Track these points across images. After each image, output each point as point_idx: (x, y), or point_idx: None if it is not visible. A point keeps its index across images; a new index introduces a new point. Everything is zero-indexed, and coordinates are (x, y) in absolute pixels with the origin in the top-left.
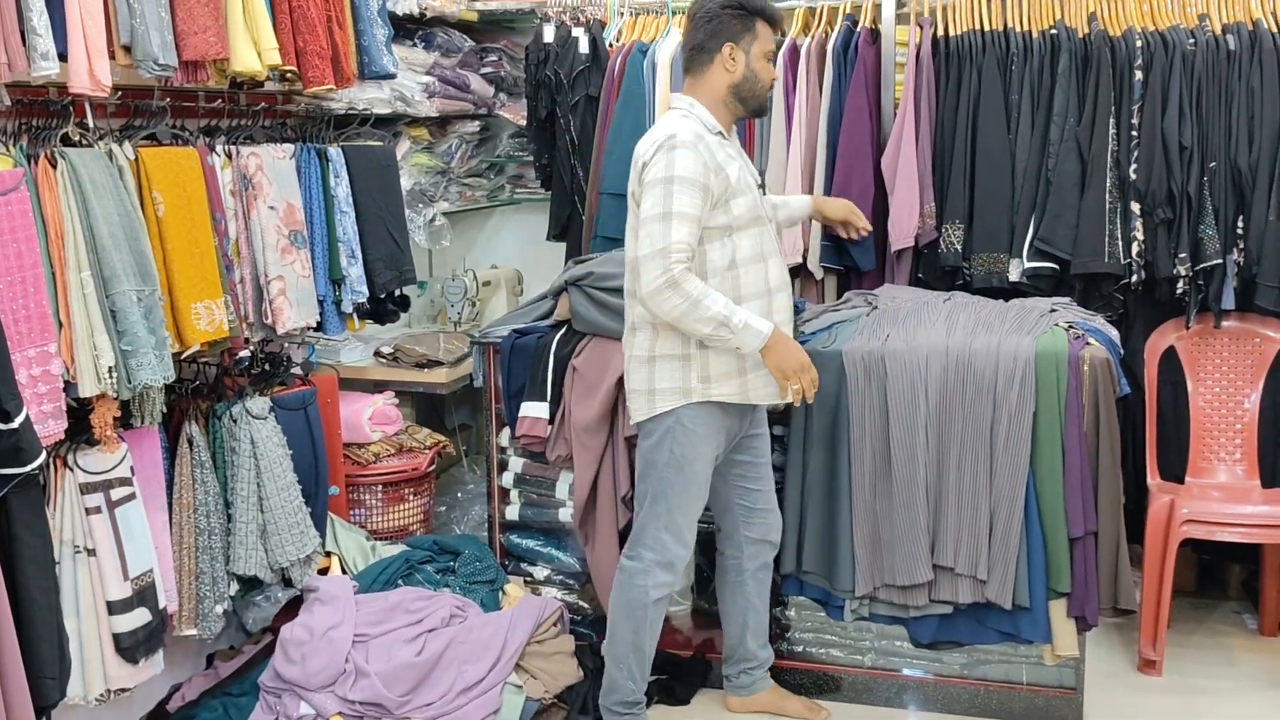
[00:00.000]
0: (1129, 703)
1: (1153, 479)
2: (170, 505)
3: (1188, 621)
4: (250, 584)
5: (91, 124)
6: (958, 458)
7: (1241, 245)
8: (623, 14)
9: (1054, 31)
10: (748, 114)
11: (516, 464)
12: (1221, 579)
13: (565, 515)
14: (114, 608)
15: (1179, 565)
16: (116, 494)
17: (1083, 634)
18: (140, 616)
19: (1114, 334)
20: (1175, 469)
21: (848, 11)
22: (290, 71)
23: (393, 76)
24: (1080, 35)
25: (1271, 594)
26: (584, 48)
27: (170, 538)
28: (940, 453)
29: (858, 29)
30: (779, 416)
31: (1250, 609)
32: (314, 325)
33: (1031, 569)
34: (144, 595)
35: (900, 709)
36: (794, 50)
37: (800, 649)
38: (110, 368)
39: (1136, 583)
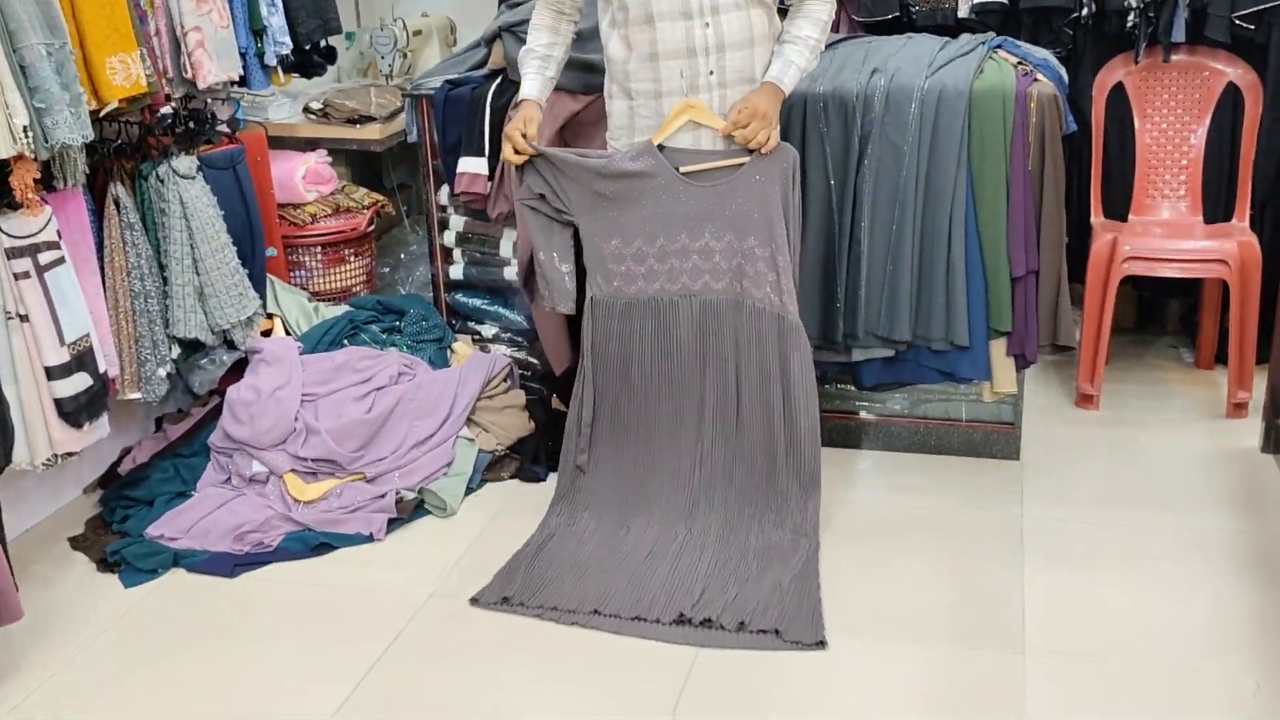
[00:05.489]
0: (1065, 435)
1: (1096, 217)
2: (102, 269)
3: (1126, 358)
4: (193, 347)
5: None
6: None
7: None
8: None
9: None
10: None
11: (458, 222)
12: (1161, 316)
13: (510, 274)
14: (52, 373)
15: (1119, 303)
16: (44, 258)
17: (1021, 371)
18: (80, 381)
19: (1062, 70)
20: (1119, 207)
21: None
22: None
23: None
24: None
25: (1209, 328)
26: None
27: (105, 302)
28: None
29: None
30: None
31: (1187, 344)
32: (237, 80)
33: (971, 309)
34: (82, 360)
35: (846, 448)
36: None
37: None
38: (25, 126)
39: (1076, 321)
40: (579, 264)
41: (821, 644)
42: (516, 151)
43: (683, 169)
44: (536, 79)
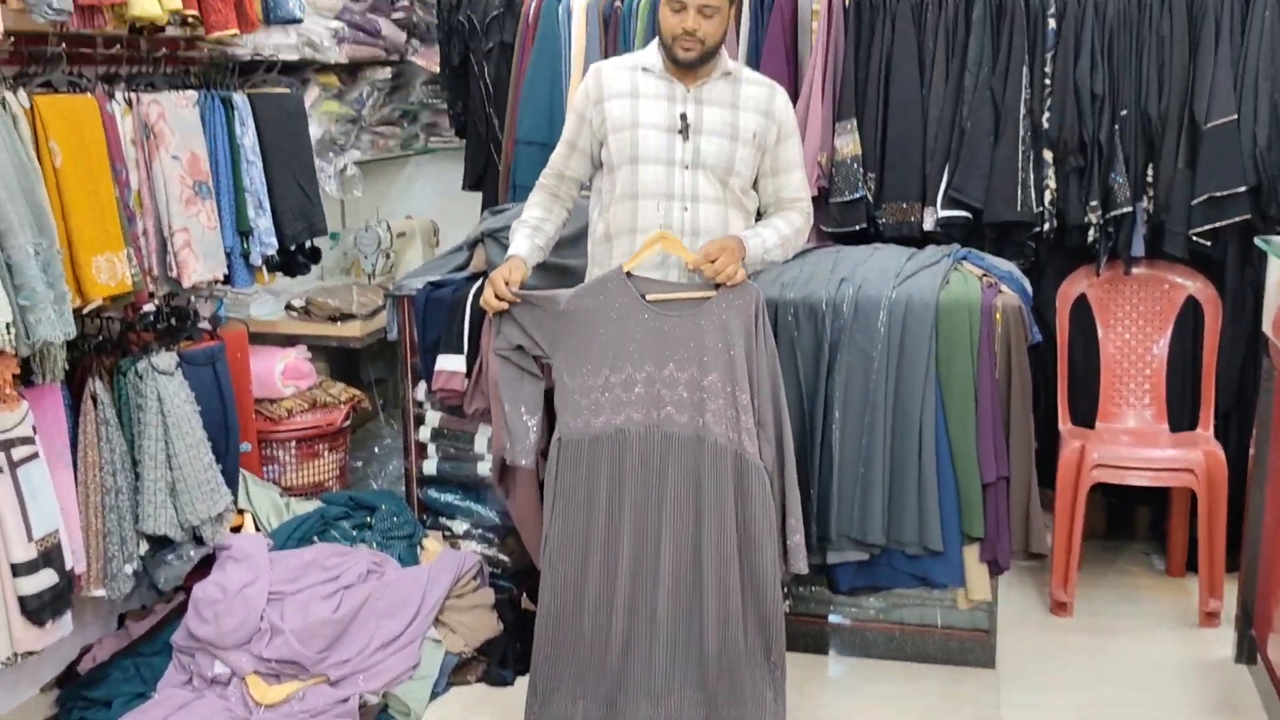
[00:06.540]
0: (1041, 643)
1: (1064, 424)
2: (75, 464)
3: (1098, 563)
4: (161, 543)
5: None
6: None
7: (1151, 193)
8: None
9: None
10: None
11: (434, 418)
12: (1130, 521)
13: (484, 469)
14: (18, 570)
15: (1089, 509)
16: (18, 453)
17: (995, 578)
18: (46, 578)
19: (1026, 282)
20: (1086, 414)
21: None
22: (192, 16)
23: (299, 21)
24: None
25: (1178, 535)
26: None
27: (76, 497)
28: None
29: None
30: None
31: (1158, 550)
32: (222, 278)
33: (944, 513)
34: (49, 556)
35: (821, 654)
36: None
37: None
38: (8, 324)
39: (1047, 526)
40: (548, 414)
41: None
42: (498, 297)
43: (649, 296)
44: (525, 242)
